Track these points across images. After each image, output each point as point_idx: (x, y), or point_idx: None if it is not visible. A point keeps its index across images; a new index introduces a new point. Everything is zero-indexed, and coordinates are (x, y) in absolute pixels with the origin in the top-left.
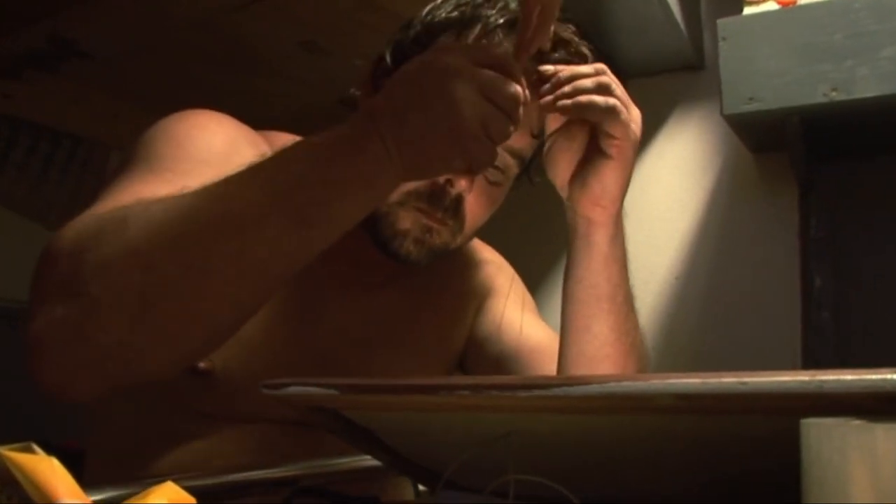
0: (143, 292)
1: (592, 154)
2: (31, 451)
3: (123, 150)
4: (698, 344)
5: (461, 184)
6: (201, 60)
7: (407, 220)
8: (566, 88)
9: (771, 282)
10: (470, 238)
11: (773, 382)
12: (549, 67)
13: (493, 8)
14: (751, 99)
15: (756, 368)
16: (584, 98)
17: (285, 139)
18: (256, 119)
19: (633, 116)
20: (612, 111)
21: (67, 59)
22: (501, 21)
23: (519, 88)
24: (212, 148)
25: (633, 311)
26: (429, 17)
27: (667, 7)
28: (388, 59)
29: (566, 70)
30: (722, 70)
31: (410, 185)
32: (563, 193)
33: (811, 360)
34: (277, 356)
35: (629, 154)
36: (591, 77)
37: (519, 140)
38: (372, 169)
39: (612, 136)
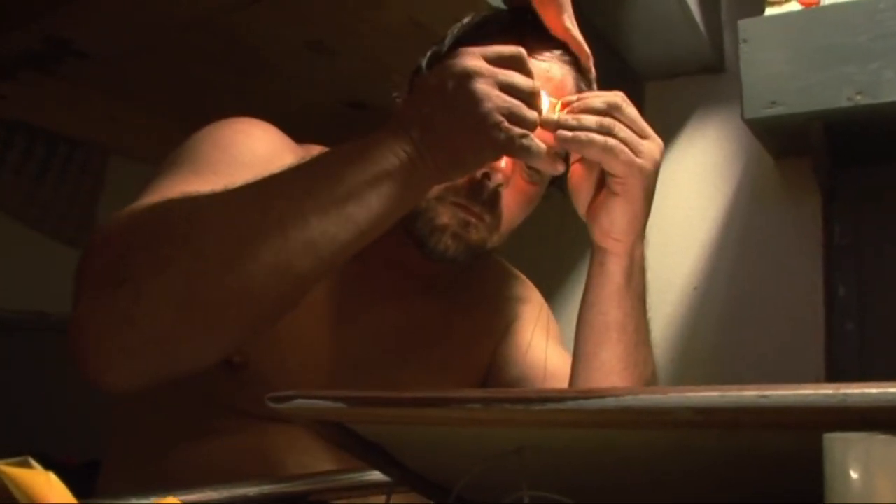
0: (189, 281)
1: (604, 187)
2: (28, 466)
3: (124, 154)
4: (717, 356)
5: (498, 177)
6: (203, 61)
7: (445, 215)
8: (571, 121)
9: (793, 291)
10: (505, 238)
11: (795, 396)
12: (570, 97)
13: (514, 21)
14: (773, 103)
15: (777, 381)
16: (582, 135)
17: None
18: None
19: (646, 152)
20: (609, 151)
21: (64, 59)
22: (522, 32)
23: (534, 82)
24: (255, 153)
25: (645, 344)
26: (458, 34)
27: (686, 8)
28: (424, 68)
29: (580, 101)
30: (743, 73)
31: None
32: (584, 220)
33: (834, 373)
34: (312, 356)
35: (636, 191)
36: (597, 113)
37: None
38: (406, 170)
39: (614, 175)
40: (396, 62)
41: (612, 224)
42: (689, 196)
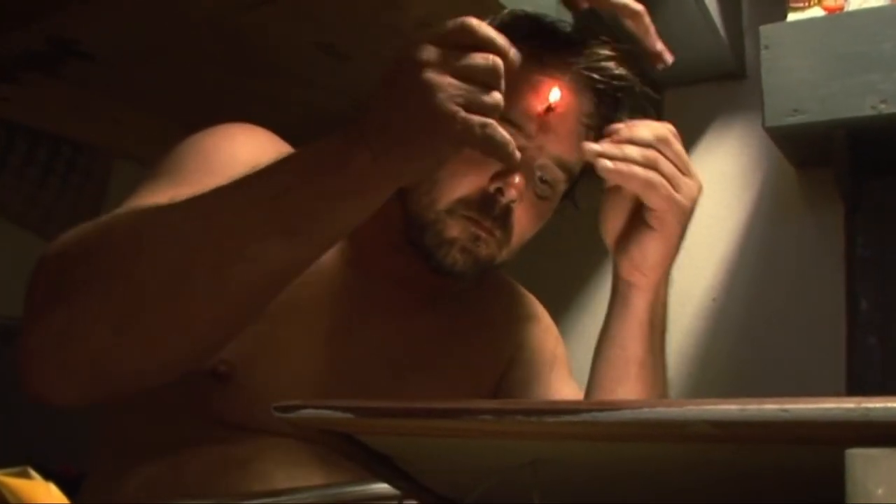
0: (125, 301)
1: (637, 219)
2: (28, 476)
3: (129, 158)
4: (736, 369)
5: (511, 192)
6: (210, 63)
7: (455, 229)
8: (614, 150)
9: (814, 304)
10: (515, 253)
11: (816, 410)
12: (618, 126)
13: (545, 26)
14: (794, 111)
15: (798, 395)
16: (624, 167)
17: None
18: (270, 126)
19: (685, 189)
20: (650, 186)
21: (67, 60)
22: (554, 38)
23: (493, 59)
24: (237, 160)
25: (663, 383)
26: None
27: (707, 13)
28: None
29: (625, 130)
30: (764, 80)
31: (460, 193)
32: (610, 250)
33: (856, 387)
34: (305, 368)
35: (672, 227)
36: (642, 146)
37: (567, 151)
38: (360, 178)
39: (652, 209)
40: None
41: (644, 258)
42: (708, 206)
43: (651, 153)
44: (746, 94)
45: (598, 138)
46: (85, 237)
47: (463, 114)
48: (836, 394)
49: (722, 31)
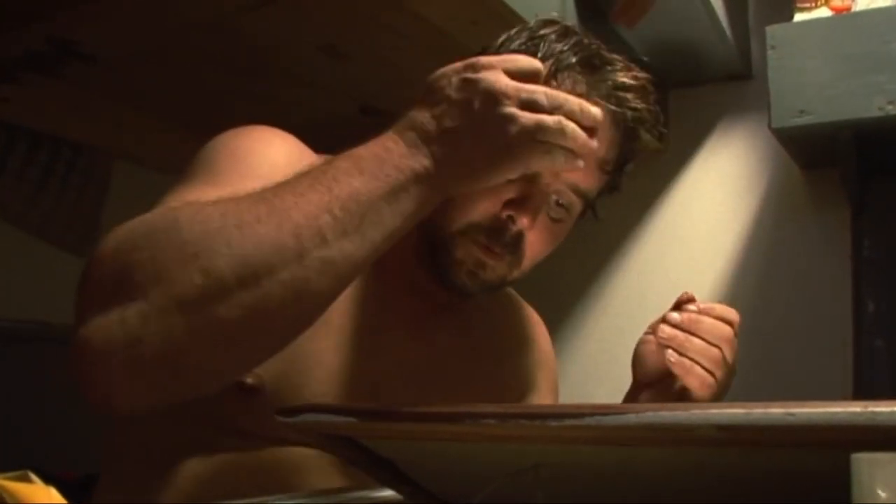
0: (201, 299)
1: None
2: (28, 480)
3: (130, 159)
4: (742, 372)
5: (523, 221)
6: (212, 64)
7: (462, 251)
8: (684, 343)
9: (820, 306)
10: (528, 271)
11: (822, 414)
12: (693, 307)
13: (567, 44)
14: (801, 111)
15: (804, 399)
16: (687, 363)
17: None
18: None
19: (722, 381)
20: (703, 383)
21: (68, 61)
22: (574, 59)
23: (547, 91)
24: (274, 163)
25: None
26: (502, 48)
27: (713, 13)
28: None
29: (688, 317)
30: (770, 80)
31: (473, 217)
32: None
33: (863, 390)
34: (329, 382)
35: (706, 398)
36: (704, 342)
37: (585, 179)
38: (423, 187)
39: (689, 389)
40: (411, 67)
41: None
42: (713, 207)
43: (714, 353)
44: (753, 95)
45: (612, 168)
46: (149, 234)
47: (534, 142)
48: (842, 397)
49: (728, 32)
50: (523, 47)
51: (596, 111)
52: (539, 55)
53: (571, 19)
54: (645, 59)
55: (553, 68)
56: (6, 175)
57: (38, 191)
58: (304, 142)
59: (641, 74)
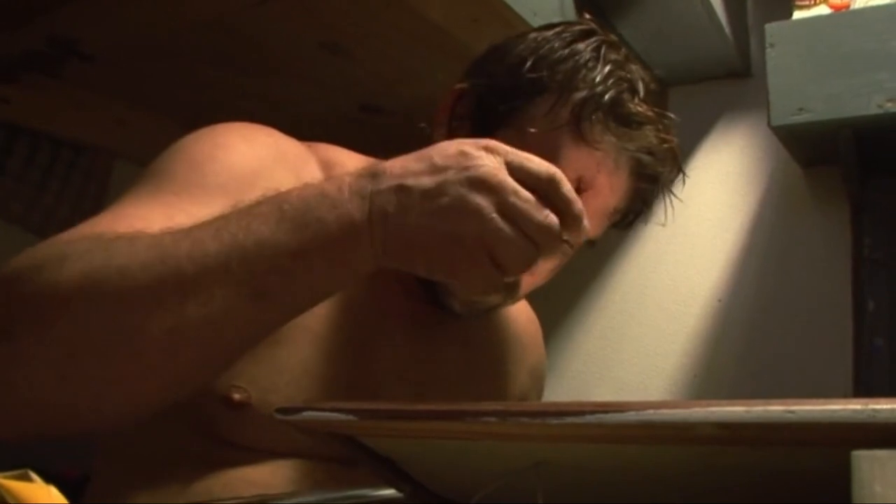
0: (71, 349)
1: None
2: (29, 479)
3: (130, 159)
4: (742, 371)
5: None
6: (213, 62)
7: (455, 285)
8: None
9: (821, 305)
10: (524, 295)
11: (822, 411)
12: None
13: (602, 73)
14: (800, 109)
15: (804, 396)
16: None
17: (333, 153)
18: (273, 126)
19: None
20: None
21: (68, 61)
22: (607, 101)
23: (552, 220)
24: (231, 172)
25: None
26: (517, 66)
27: (712, 11)
28: (472, 99)
29: None
30: (770, 78)
31: None
32: None
33: (864, 389)
34: (323, 390)
35: None
36: None
37: (594, 230)
38: (346, 247)
39: None
40: (411, 65)
41: None
42: (712, 205)
43: None
44: (752, 93)
45: (620, 216)
46: (36, 267)
47: (487, 263)
48: (842, 394)
49: (727, 30)
50: (550, 78)
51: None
52: (574, 82)
53: (570, 17)
54: (638, 53)
55: (578, 112)
56: (7, 175)
57: (38, 191)
58: (304, 139)
59: (671, 138)
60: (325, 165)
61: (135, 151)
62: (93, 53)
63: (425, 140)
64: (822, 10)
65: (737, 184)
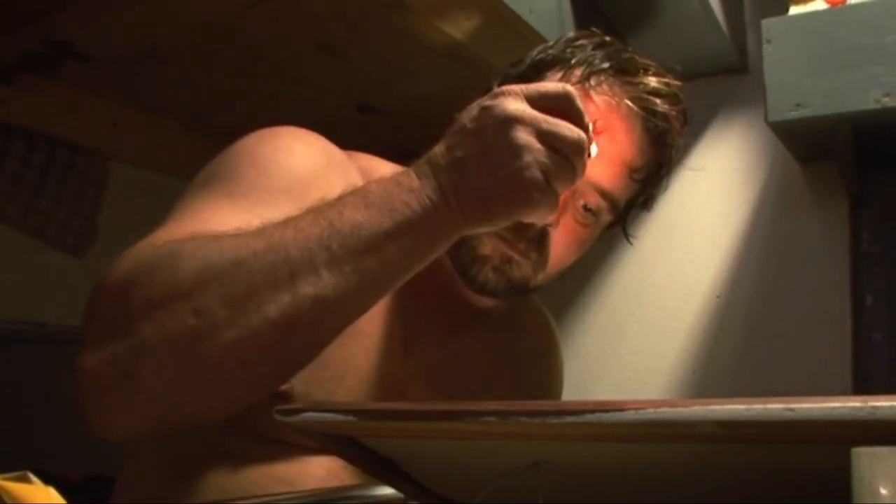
0: (193, 338)
1: None
2: (28, 481)
3: (127, 160)
4: (741, 367)
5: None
6: (209, 63)
7: (488, 247)
8: None
9: (819, 300)
10: (553, 279)
11: (822, 409)
12: None
13: (602, 51)
14: (797, 105)
15: (804, 394)
16: None
17: (368, 161)
18: (269, 125)
19: None
20: None
21: (64, 62)
22: (607, 65)
23: (581, 134)
24: (294, 175)
25: None
26: (538, 56)
27: (708, 7)
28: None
29: None
30: (766, 74)
31: None
32: None
33: (863, 385)
34: (361, 388)
35: None
36: None
37: (610, 181)
38: (430, 221)
39: None
40: (408, 65)
41: None
42: (711, 201)
43: None
44: (749, 89)
45: (643, 177)
46: (148, 268)
47: (544, 183)
48: (842, 391)
49: (724, 25)
50: (560, 55)
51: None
52: (573, 61)
53: (567, 16)
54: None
55: (587, 72)
56: (3, 177)
57: (35, 192)
58: None
59: (674, 82)
60: (364, 172)
61: (131, 152)
62: (89, 54)
63: (423, 138)
64: (819, 5)
65: (734, 180)
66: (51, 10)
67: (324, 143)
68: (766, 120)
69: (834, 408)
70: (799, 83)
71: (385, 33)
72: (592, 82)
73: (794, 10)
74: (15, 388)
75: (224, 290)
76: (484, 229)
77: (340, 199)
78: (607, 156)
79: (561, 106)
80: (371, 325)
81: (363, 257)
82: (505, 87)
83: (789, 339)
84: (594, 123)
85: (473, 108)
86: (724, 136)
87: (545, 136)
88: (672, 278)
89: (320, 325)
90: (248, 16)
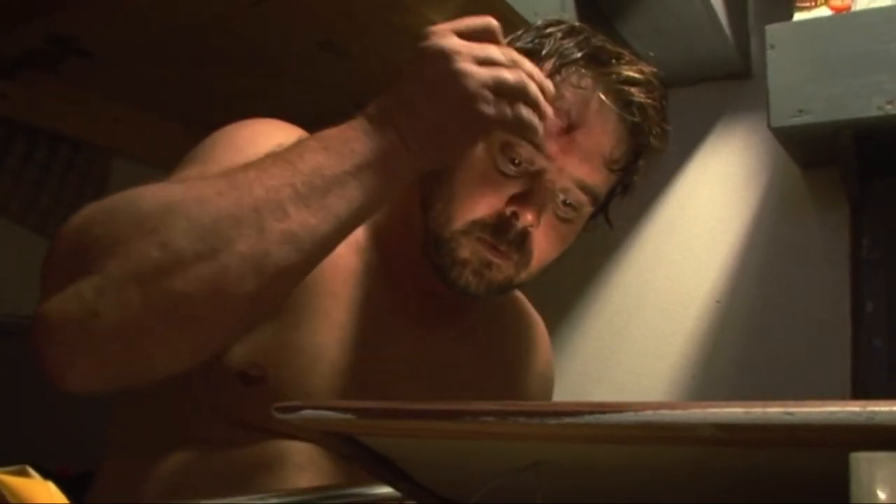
0: (158, 271)
1: None
2: (27, 475)
3: (129, 157)
4: (741, 372)
5: (527, 217)
6: (211, 61)
7: (467, 250)
8: None
9: (819, 306)
10: (537, 275)
11: (821, 413)
12: None
13: (573, 41)
14: (800, 111)
15: (803, 397)
16: None
17: None
18: None
19: None
20: None
21: (67, 58)
22: (579, 54)
23: (508, 49)
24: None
25: None
26: (514, 42)
27: (712, 12)
28: None
29: None
30: (770, 80)
31: (476, 215)
32: None
33: (862, 390)
34: (334, 376)
35: None
36: None
37: (589, 173)
38: (389, 159)
39: None
40: None
41: None
42: (712, 206)
43: None
44: (752, 94)
45: (621, 167)
46: (111, 210)
47: (497, 99)
48: (841, 396)
49: (727, 31)
50: (529, 45)
51: (549, 83)
52: (543, 52)
53: (571, 18)
54: (651, 53)
55: (558, 63)
56: (4, 173)
57: (36, 189)
58: None
59: (647, 68)
60: None
61: (132, 149)
62: (91, 51)
63: None
64: (823, 11)
65: (736, 184)
66: (54, 7)
67: (299, 132)
68: (768, 125)
69: (833, 412)
70: (802, 89)
71: (387, 33)
72: (563, 73)
73: (798, 16)
74: (14, 382)
75: (190, 223)
76: (444, 163)
77: (299, 144)
78: (584, 149)
79: (486, 37)
80: (343, 315)
81: (326, 195)
82: (433, 28)
83: (789, 343)
84: (571, 118)
85: (407, 59)
86: (725, 141)
87: (482, 61)
88: (672, 283)
89: (289, 260)
90: (250, 14)
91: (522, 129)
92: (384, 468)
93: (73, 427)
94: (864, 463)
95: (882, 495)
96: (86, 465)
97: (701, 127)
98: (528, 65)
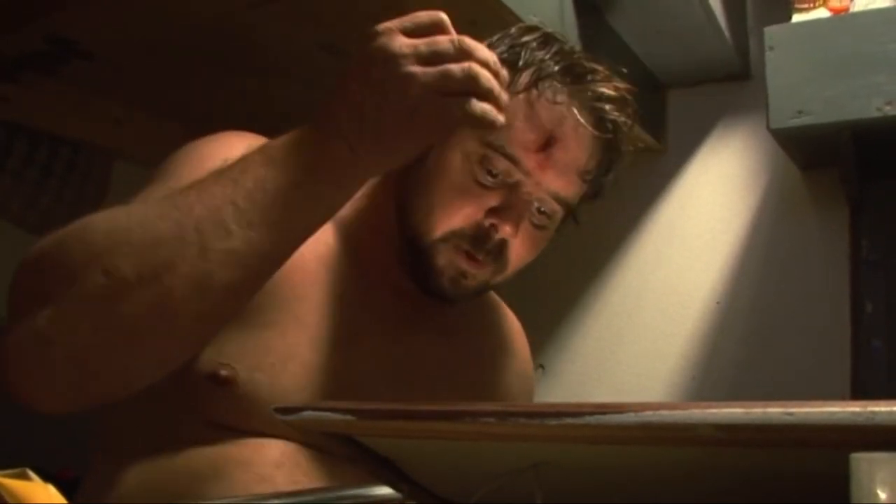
0: (104, 296)
1: None
2: (27, 478)
3: (129, 159)
4: (741, 373)
5: (506, 229)
6: (212, 62)
7: (443, 258)
8: None
9: (819, 307)
10: (510, 278)
11: (821, 413)
12: None
13: (548, 52)
14: (799, 112)
15: (803, 398)
16: None
17: None
18: (271, 127)
19: None
20: None
21: (68, 60)
22: (556, 68)
23: (454, 38)
24: None
25: None
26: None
27: (711, 13)
28: None
29: None
30: (769, 81)
31: (455, 225)
32: None
33: (862, 391)
34: (307, 375)
35: None
36: None
37: (565, 186)
38: (338, 170)
39: None
40: None
41: None
42: (712, 207)
43: None
44: (751, 96)
45: (593, 177)
46: (62, 238)
47: (445, 98)
48: (840, 397)
49: (726, 32)
50: (504, 55)
51: (504, 70)
52: (520, 63)
53: (569, 19)
54: (638, 55)
55: (535, 77)
56: (5, 174)
57: (37, 190)
58: None
59: (621, 85)
60: None
61: (133, 151)
62: (92, 53)
63: None
64: (822, 13)
65: (736, 186)
66: (55, 8)
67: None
68: (767, 127)
69: (833, 412)
70: (801, 91)
71: None
72: (540, 87)
73: (796, 17)
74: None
75: (132, 248)
76: (393, 166)
77: (243, 158)
78: (561, 165)
79: (436, 31)
80: (313, 316)
81: (270, 210)
82: (379, 27)
83: (789, 344)
84: (548, 134)
85: (353, 60)
86: (725, 143)
87: (429, 59)
88: (672, 284)
89: (234, 279)
90: (252, 16)
91: (475, 125)
92: (384, 469)
93: (74, 430)
94: (865, 463)
95: (882, 495)
96: (87, 469)
97: (700, 128)
98: (480, 52)
